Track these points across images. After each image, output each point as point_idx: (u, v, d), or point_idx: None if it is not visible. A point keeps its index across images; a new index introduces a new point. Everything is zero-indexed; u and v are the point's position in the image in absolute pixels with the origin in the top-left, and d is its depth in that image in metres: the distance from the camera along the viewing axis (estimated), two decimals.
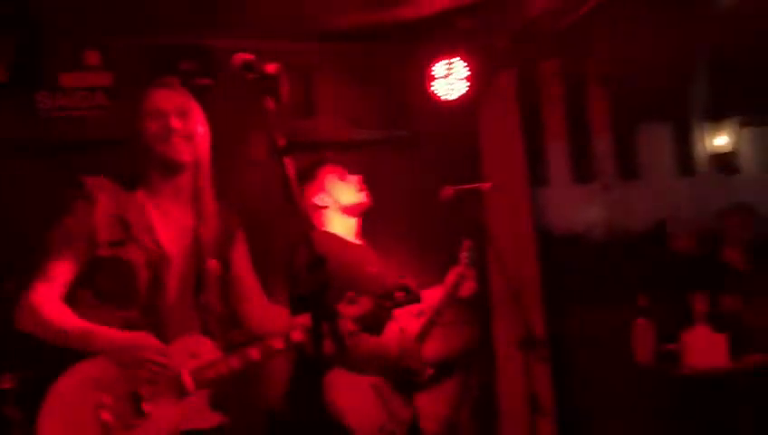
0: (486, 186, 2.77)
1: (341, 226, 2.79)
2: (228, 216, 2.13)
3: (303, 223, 1.84)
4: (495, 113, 3.53)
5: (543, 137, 3.84)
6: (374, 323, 2.62)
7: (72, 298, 1.93)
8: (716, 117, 4.07)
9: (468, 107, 3.52)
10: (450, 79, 3.43)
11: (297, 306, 2.01)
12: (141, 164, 2.02)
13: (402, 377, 2.70)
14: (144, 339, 1.87)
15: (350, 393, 2.60)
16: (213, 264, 2.05)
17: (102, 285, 1.93)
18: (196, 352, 1.95)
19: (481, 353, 3.56)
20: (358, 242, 2.82)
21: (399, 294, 2.23)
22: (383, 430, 2.60)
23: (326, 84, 3.49)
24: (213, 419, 1.94)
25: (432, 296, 2.75)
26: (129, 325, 1.90)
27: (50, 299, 1.90)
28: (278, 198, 3.16)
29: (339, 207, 2.77)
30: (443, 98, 3.46)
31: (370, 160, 3.40)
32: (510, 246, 3.32)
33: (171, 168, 2.00)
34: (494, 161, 3.55)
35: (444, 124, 3.57)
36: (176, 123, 1.98)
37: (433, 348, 3.20)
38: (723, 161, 4.10)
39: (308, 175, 2.81)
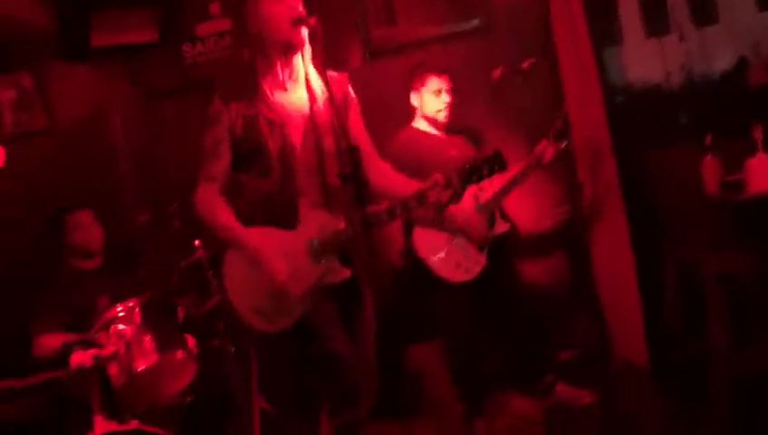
0: (527, 64, 2.87)
1: (425, 124, 3.14)
2: (339, 87, 2.25)
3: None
4: None
5: None
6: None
7: (234, 181, 2.24)
8: None
9: None
10: None
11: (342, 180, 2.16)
12: (263, 51, 2.17)
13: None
14: (257, 243, 2.15)
15: (429, 243, 2.99)
16: (329, 142, 2.21)
17: (249, 168, 2.20)
18: (324, 226, 2.19)
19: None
20: (439, 134, 3.16)
21: (485, 167, 2.19)
22: (459, 265, 2.96)
23: None
24: (345, 272, 2.20)
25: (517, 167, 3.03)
26: (269, 198, 2.18)
27: (213, 197, 2.21)
28: (372, 96, 3.57)
29: (421, 113, 3.13)
30: None
31: (450, 53, 3.61)
32: (583, 106, 3.36)
33: (291, 47, 2.13)
34: (562, 31, 3.55)
35: (514, 8, 3.63)
36: (297, 8, 2.11)
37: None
38: None
39: (408, 75, 3.19)
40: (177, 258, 3.09)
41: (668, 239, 3.49)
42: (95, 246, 3.23)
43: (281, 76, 2.20)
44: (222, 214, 2.21)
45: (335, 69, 2.29)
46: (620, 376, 3.29)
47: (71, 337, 2.82)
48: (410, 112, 3.24)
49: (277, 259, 2.16)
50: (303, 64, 2.21)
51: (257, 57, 2.21)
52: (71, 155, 3.69)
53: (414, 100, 3.18)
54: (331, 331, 2.23)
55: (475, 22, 3.70)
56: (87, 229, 3.21)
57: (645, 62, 3.80)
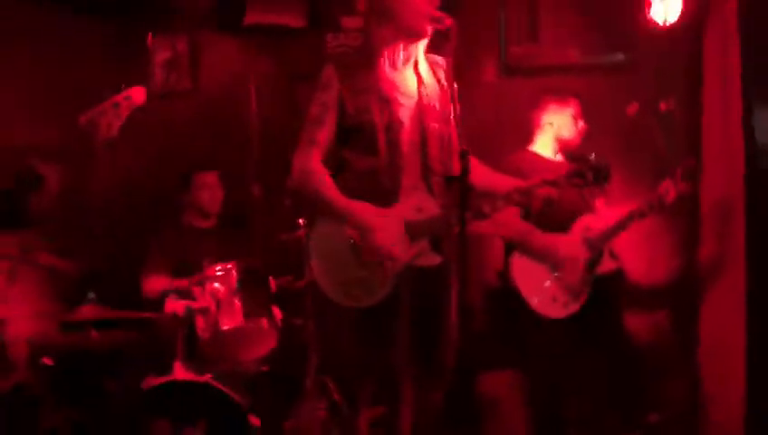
0: (664, 105, 2.76)
1: (548, 147, 3.08)
2: (445, 76, 2.21)
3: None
4: (714, 35, 3.33)
5: None
6: (565, 208, 2.86)
7: (336, 155, 2.21)
8: None
9: (685, 30, 3.38)
10: (666, 4, 3.32)
11: (448, 183, 2.17)
12: (389, 30, 2.16)
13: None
14: (380, 233, 2.10)
15: (526, 271, 2.91)
16: (433, 126, 2.19)
17: (355, 143, 2.17)
18: (421, 207, 2.17)
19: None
20: (558, 159, 3.09)
21: (590, 173, 2.19)
22: (556, 300, 2.87)
23: (548, 11, 3.60)
24: (435, 259, 2.18)
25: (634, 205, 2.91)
26: (374, 175, 2.15)
27: (314, 163, 2.17)
28: (502, 114, 3.54)
29: (554, 134, 3.06)
30: (660, 22, 3.37)
31: (590, 84, 3.52)
32: (718, 164, 3.18)
33: (418, 35, 2.15)
34: (712, 79, 3.38)
35: (661, 47, 3.49)
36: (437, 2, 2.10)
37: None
38: None
39: (545, 94, 3.16)
40: (282, 233, 3.19)
41: None
42: (214, 207, 3.42)
43: (398, 57, 2.21)
44: (321, 180, 2.18)
45: (466, 81, 2.26)
46: None
47: (171, 283, 2.99)
48: (531, 134, 3.16)
49: (379, 230, 2.12)
50: (418, 50, 2.22)
51: (381, 33, 2.19)
52: (207, 120, 3.93)
53: (549, 119, 3.10)
54: (402, 322, 2.18)
55: (620, 56, 3.59)
56: (211, 190, 3.41)
57: None
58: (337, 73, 2.20)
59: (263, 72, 3.94)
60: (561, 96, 3.05)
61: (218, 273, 2.93)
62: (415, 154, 2.19)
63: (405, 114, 2.19)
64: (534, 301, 2.87)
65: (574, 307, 2.89)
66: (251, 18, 3.74)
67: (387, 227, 2.14)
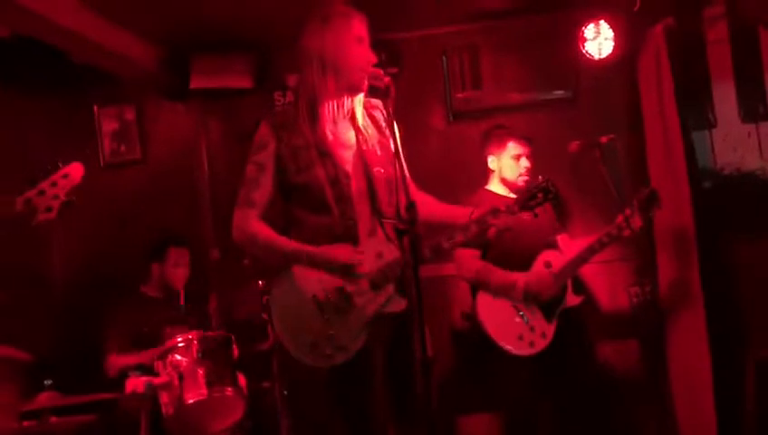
0: (605, 139, 2.81)
1: (500, 187, 3.12)
2: (385, 118, 2.21)
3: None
4: (648, 65, 3.47)
5: (709, 80, 3.63)
6: (524, 245, 2.88)
7: (286, 214, 2.16)
8: None
9: (621, 61, 3.50)
10: (599, 39, 3.44)
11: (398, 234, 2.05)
12: (326, 88, 2.12)
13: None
14: (339, 250, 2.07)
15: (492, 310, 2.91)
16: (379, 171, 2.16)
17: (302, 202, 2.13)
18: (381, 253, 2.11)
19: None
20: (514, 197, 3.11)
21: (540, 194, 2.20)
22: (522, 338, 2.87)
23: (488, 57, 3.69)
24: (402, 304, 2.09)
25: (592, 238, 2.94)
26: (330, 232, 2.09)
27: (250, 219, 2.11)
28: (453, 157, 3.58)
29: (499, 176, 3.11)
30: (596, 57, 3.48)
31: (533, 121, 3.60)
32: (666, 189, 3.25)
33: (355, 89, 2.14)
34: (651, 109, 3.49)
35: (599, 81, 3.60)
36: (371, 55, 2.12)
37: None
38: None
39: (486, 137, 3.15)
40: (243, 296, 3.15)
41: (750, 337, 3.27)
42: (181, 282, 3.37)
43: (336, 111, 2.18)
44: (266, 235, 2.13)
45: (415, 127, 2.30)
46: None
47: (132, 359, 2.91)
48: (484, 175, 3.22)
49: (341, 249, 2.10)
50: (355, 103, 2.20)
51: (319, 88, 2.15)
52: (159, 187, 3.90)
53: (491, 163, 3.15)
54: (376, 378, 2.13)
55: (561, 92, 3.69)
56: (182, 266, 3.37)
57: (738, 147, 3.63)
58: (273, 132, 2.16)
59: (212, 136, 3.94)
60: (498, 138, 3.10)
61: (179, 344, 2.86)
62: (364, 203, 2.17)
63: (348, 165, 2.17)
64: (502, 340, 2.87)
65: (542, 344, 2.89)
66: (196, 83, 3.75)
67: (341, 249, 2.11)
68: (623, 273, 3.59)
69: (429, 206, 2.26)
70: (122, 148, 3.96)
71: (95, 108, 3.94)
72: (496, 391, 3.03)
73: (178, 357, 2.82)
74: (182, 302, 3.38)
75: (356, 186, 2.16)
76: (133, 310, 3.29)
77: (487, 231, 2.28)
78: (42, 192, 1.95)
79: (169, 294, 3.40)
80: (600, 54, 3.47)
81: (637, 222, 2.79)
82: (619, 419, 3.21)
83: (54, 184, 1.97)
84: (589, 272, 3.38)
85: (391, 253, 2.11)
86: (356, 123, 2.21)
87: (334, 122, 2.19)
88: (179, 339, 2.86)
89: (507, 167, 3.09)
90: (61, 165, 2.00)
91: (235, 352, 2.96)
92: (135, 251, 3.51)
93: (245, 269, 3.52)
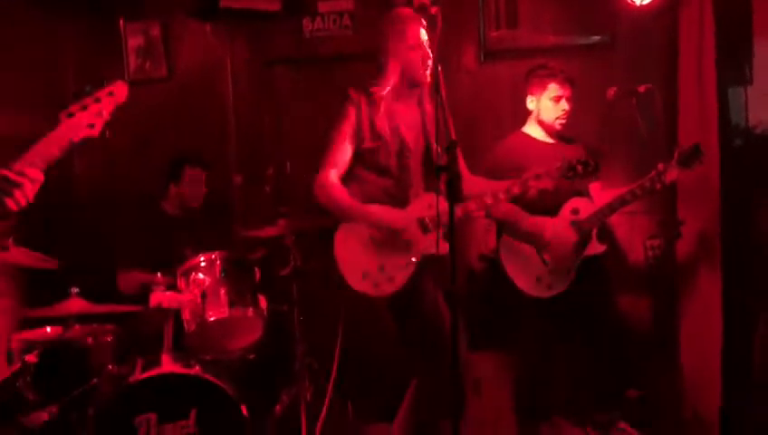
0: (642, 88, 2.77)
1: (537, 130, 3.10)
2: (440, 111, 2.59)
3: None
4: (690, 15, 3.38)
5: (750, 34, 3.55)
6: (554, 197, 2.92)
7: (351, 174, 2.69)
8: None
9: (662, 9, 3.42)
10: None
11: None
12: (395, 79, 2.64)
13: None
14: (390, 216, 2.60)
15: (514, 251, 2.95)
16: (434, 146, 2.66)
17: (369, 165, 2.68)
18: (431, 204, 2.57)
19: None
20: (550, 141, 3.10)
21: (579, 166, 2.60)
22: (541, 281, 2.91)
23: None
24: (442, 247, 2.44)
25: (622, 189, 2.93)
26: (386, 192, 2.66)
27: (333, 182, 2.63)
28: (484, 98, 3.56)
29: (536, 117, 3.07)
30: (637, 3, 3.39)
31: (568, 65, 3.53)
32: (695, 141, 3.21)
33: (417, 84, 2.65)
34: (688, 62, 3.42)
35: (638, 28, 3.52)
36: (428, 54, 2.58)
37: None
38: None
39: (528, 76, 3.16)
40: (263, 221, 3.18)
41: (761, 295, 3.30)
42: (197, 202, 3.38)
43: (404, 94, 2.70)
44: (342, 194, 2.63)
45: (447, 67, 2.57)
46: (687, 427, 3.15)
47: (153, 277, 2.96)
48: (522, 117, 3.18)
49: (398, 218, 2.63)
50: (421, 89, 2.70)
51: (388, 80, 2.65)
52: (183, 107, 3.88)
53: (530, 103, 3.11)
54: (431, 301, 2.64)
55: (598, 37, 3.61)
56: (198, 185, 3.37)
57: None
58: (355, 104, 2.65)
59: (237, 59, 3.90)
60: (541, 79, 3.05)
61: (202, 263, 2.91)
62: (419, 172, 2.73)
63: (411, 140, 2.68)
64: (520, 281, 2.91)
65: (560, 288, 2.92)
66: (225, 2, 3.68)
67: (403, 216, 2.63)
68: (643, 225, 3.59)
69: (479, 183, 2.76)
70: (148, 64, 3.91)
71: (121, 21, 3.87)
72: (510, 331, 3.09)
73: (201, 276, 2.86)
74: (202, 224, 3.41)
75: (414, 159, 2.71)
76: (153, 226, 3.32)
77: (528, 192, 2.69)
78: (85, 107, 1.94)
79: (189, 214, 3.42)
80: (641, 0, 3.38)
81: (672, 175, 2.77)
82: (629, 368, 3.27)
83: (98, 100, 1.96)
84: (614, 222, 3.39)
85: (440, 205, 2.40)
86: (421, 107, 2.69)
87: (403, 102, 2.68)
88: (202, 258, 2.90)
89: (546, 108, 3.06)
90: (105, 82, 1.98)
91: (257, 274, 3.00)
92: (155, 170, 3.51)
93: (266, 195, 3.57)
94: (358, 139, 2.64)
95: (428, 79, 2.61)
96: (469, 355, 3.28)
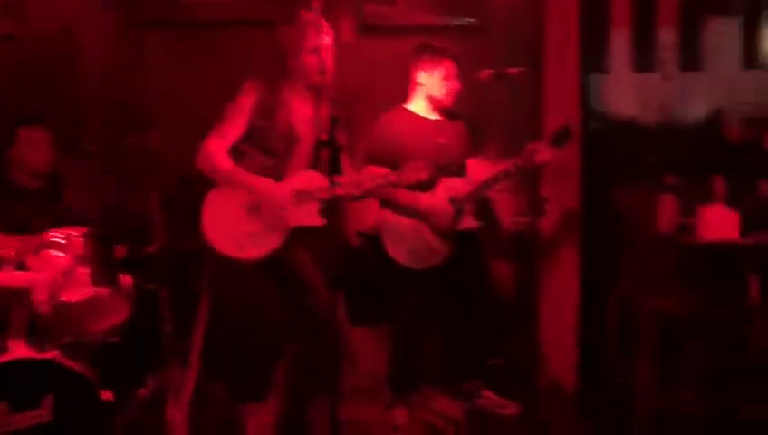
0: (515, 70, 2.86)
1: (422, 106, 3.11)
2: (335, 110, 2.86)
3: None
4: (557, 2, 3.53)
5: (608, 25, 3.80)
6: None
7: (236, 149, 2.73)
8: None
9: None
10: None
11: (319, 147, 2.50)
12: (292, 77, 2.77)
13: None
14: (269, 186, 2.68)
15: (393, 225, 2.98)
16: (324, 136, 2.77)
17: (256, 143, 2.73)
18: (311, 179, 2.74)
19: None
20: (434, 117, 3.14)
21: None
22: (416, 254, 2.96)
23: None
24: (318, 220, 2.71)
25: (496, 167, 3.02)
26: (266, 170, 2.71)
27: (220, 150, 2.70)
28: (361, 73, 3.53)
29: (426, 93, 3.08)
30: None
31: (442, 45, 3.59)
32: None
33: (312, 87, 2.76)
34: (553, 48, 3.58)
35: (509, 13, 3.65)
36: (326, 57, 2.73)
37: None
38: None
39: (419, 52, 3.14)
40: (125, 194, 3.01)
41: (615, 271, 3.57)
42: (41, 165, 3.08)
43: (299, 85, 2.81)
44: (228, 161, 2.71)
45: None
46: (546, 394, 3.36)
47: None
48: (401, 93, 3.18)
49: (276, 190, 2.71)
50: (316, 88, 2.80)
51: (289, 71, 2.80)
52: (35, 68, 3.54)
53: (422, 78, 3.11)
54: (308, 271, 2.72)
55: (472, 19, 3.70)
56: (37, 146, 3.06)
57: (626, 94, 3.85)
58: (255, 86, 2.73)
59: (106, 18, 3.61)
60: (433, 56, 3.08)
61: (58, 240, 2.69)
62: (305, 160, 2.78)
63: (301, 129, 2.77)
64: (400, 256, 2.95)
65: (434, 261, 2.99)
66: None
67: (282, 187, 2.71)
68: (510, 203, 3.75)
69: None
70: None
71: None
72: (388, 304, 3.13)
73: (58, 253, 2.65)
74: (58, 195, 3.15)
75: (301, 148, 2.78)
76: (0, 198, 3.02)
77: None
78: None
79: (41, 185, 3.13)
80: None
81: (544, 155, 2.89)
82: (494, 339, 3.42)
83: None
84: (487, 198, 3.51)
85: (321, 180, 2.72)
86: (317, 110, 2.78)
87: (300, 100, 2.79)
88: (59, 234, 2.68)
89: (438, 85, 3.08)
90: None
91: (121, 252, 2.83)
92: None
93: (128, 166, 3.35)
94: (252, 116, 2.71)
95: (326, 83, 2.74)
96: (348, 329, 3.30)
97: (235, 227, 2.66)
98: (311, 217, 2.68)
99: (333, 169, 2.42)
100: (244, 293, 3.03)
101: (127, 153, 3.40)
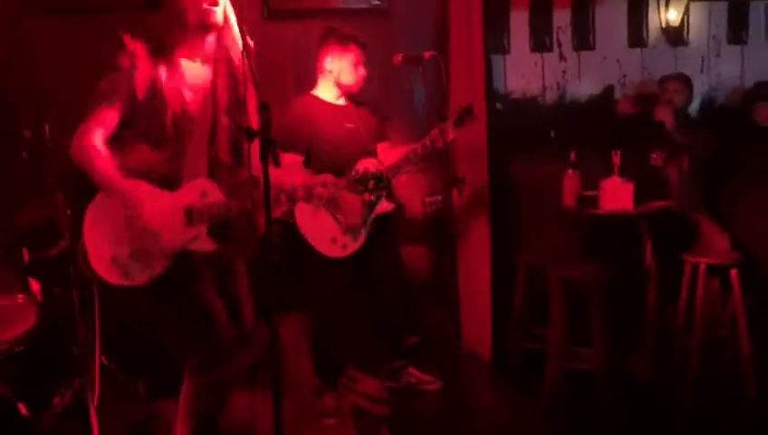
0: (428, 54, 2.90)
1: (330, 92, 3.08)
2: (239, 81, 2.23)
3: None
4: None
5: (509, 9, 3.93)
6: (343, 153, 3.00)
7: (118, 137, 2.16)
8: None
9: None
10: None
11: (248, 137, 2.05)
12: (176, 27, 2.18)
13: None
14: (134, 191, 2.11)
15: (309, 215, 2.96)
16: (225, 120, 2.25)
17: (140, 130, 2.16)
18: (206, 192, 2.21)
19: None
20: (341, 103, 3.12)
21: (371, 182, 2.35)
22: (336, 241, 2.97)
23: None
24: (210, 245, 2.21)
25: (404, 149, 3.04)
26: (152, 167, 2.15)
27: (96, 142, 2.11)
28: (266, 58, 3.45)
29: (334, 79, 3.05)
30: None
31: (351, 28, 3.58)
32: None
33: (205, 29, 2.17)
34: (458, 30, 3.66)
35: None
36: None
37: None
38: (672, 35, 4.13)
39: (326, 37, 3.08)
40: (23, 192, 2.82)
41: (524, 243, 3.74)
42: None
43: (194, 49, 2.21)
44: (102, 159, 2.12)
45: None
46: (465, 364, 3.49)
47: None
48: (307, 79, 3.16)
49: (149, 207, 2.12)
50: (212, 43, 2.23)
51: (171, 27, 2.20)
52: None
53: (330, 64, 3.07)
54: (203, 287, 2.22)
55: (377, 2, 3.71)
56: None
57: (526, 74, 4.01)
58: (129, 57, 2.14)
59: None
60: (342, 42, 3.06)
61: None
62: (203, 146, 2.22)
63: (195, 106, 2.20)
64: (317, 242, 2.94)
65: (353, 247, 3.01)
66: None
67: (161, 210, 2.14)
68: (421, 183, 3.83)
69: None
70: None
71: None
72: (307, 292, 3.12)
73: None
74: None
75: (198, 129, 2.20)
76: None
77: (311, 199, 2.36)
78: None
79: None
80: None
81: (449, 135, 2.95)
82: (413, 317, 3.50)
83: None
84: (398, 181, 3.55)
85: (216, 195, 2.20)
86: (215, 66, 2.23)
87: (189, 59, 2.21)
88: None
89: (346, 71, 3.07)
90: None
91: (26, 255, 2.66)
92: None
93: (24, 163, 3.14)
94: (128, 94, 2.12)
95: (219, 22, 2.17)
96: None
97: (116, 247, 2.12)
98: (200, 239, 2.18)
99: (265, 162, 1.84)
100: (132, 317, 2.73)
101: (22, 148, 3.17)
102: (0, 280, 2.53)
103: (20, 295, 2.57)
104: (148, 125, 2.15)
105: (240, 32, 2.06)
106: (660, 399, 3.20)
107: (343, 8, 3.67)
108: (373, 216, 3.11)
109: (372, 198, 3.04)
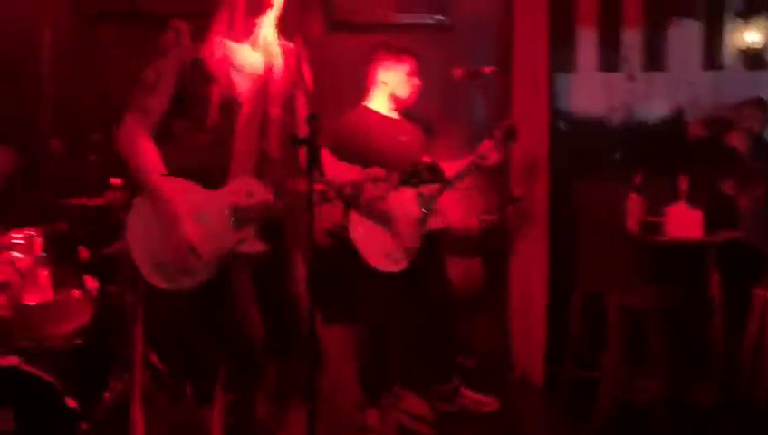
0: (489, 69, 2.85)
1: (383, 104, 3.07)
2: (294, 59, 2.13)
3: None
4: (526, 1, 3.54)
5: (575, 25, 3.83)
6: (395, 158, 2.92)
7: (169, 130, 2.07)
8: (749, 14, 3.90)
9: None
10: None
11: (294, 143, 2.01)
12: (225, 7, 2.07)
13: None
14: (177, 217, 2.00)
15: (363, 227, 2.94)
16: (276, 112, 2.12)
17: (186, 116, 2.06)
18: (252, 192, 2.09)
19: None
20: (395, 116, 3.10)
21: (426, 173, 2.24)
22: (390, 256, 2.93)
23: None
24: (259, 246, 2.10)
25: (460, 164, 3.01)
26: (203, 151, 2.03)
27: (141, 132, 2.02)
28: (329, 70, 3.47)
29: (389, 91, 3.04)
30: None
31: (409, 43, 3.57)
32: (527, 125, 3.40)
33: (261, 8, 2.05)
34: (523, 47, 3.60)
35: (477, 12, 3.65)
36: None
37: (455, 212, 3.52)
38: (752, 57, 3.95)
39: (380, 50, 3.09)
40: (88, 193, 2.90)
41: (582, 267, 3.61)
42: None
43: (242, 31, 2.10)
44: (145, 153, 2.02)
45: (293, 36, 2.21)
46: (517, 387, 3.38)
47: None
48: (365, 91, 3.15)
49: (188, 218, 2.02)
50: (266, 27, 2.11)
51: (224, 6, 2.09)
52: None
53: (384, 76, 3.07)
54: (243, 301, 2.12)
55: (440, 17, 3.69)
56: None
57: (592, 94, 3.90)
58: (178, 39, 2.05)
59: (57, 12, 3.48)
60: (396, 53, 3.05)
61: (17, 241, 2.58)
62: (252, 139, 2.09)
63: (245, 94, 2.08)
64: (370, 257, 2.91)
65: (405, 263, 2.97)
66: None
67: (205, 213, 2.04)
68: (479, 201, 3.76)
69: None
70: None
71: None
72: (357, 306, 3.09)
73: (18, 255, 2.55)
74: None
75: (246, 119, 2.07)
76: None
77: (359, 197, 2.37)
78: None
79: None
80: None
81: (494, 156, 2.91)
82: (465, 337, 3.43)
83: None
84: (450, 198, 3.50)
85: (263, 195, 2.08)
86: (268, 54, 2.12)
87: (239, 42, 2.10)
88: (19, 235, 2.58)
89: (400, 83, 3.05)
90: None
91: (84, 253, 2.73)
92: None
93: (92, 164, 3.23)
94: (178, 80, 2.03)
95: (273, 2, 2.05)
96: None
97: (161, 252, 2.02)
98: (249, 241, 2.08)
99: (313, 174, 1.77)
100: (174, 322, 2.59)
101: (91, 150, 3.27)
102: (57, 276, 2.59)
103: (76, 291, 2.63)
104: (193, 106, 2.05)
105: (298, 41, 2.03)
106: (721, 430, 3.01)
107: (406, 23, 3.65)
108: (427, 231, 3.06)
109: (429, 191, 2.93)
